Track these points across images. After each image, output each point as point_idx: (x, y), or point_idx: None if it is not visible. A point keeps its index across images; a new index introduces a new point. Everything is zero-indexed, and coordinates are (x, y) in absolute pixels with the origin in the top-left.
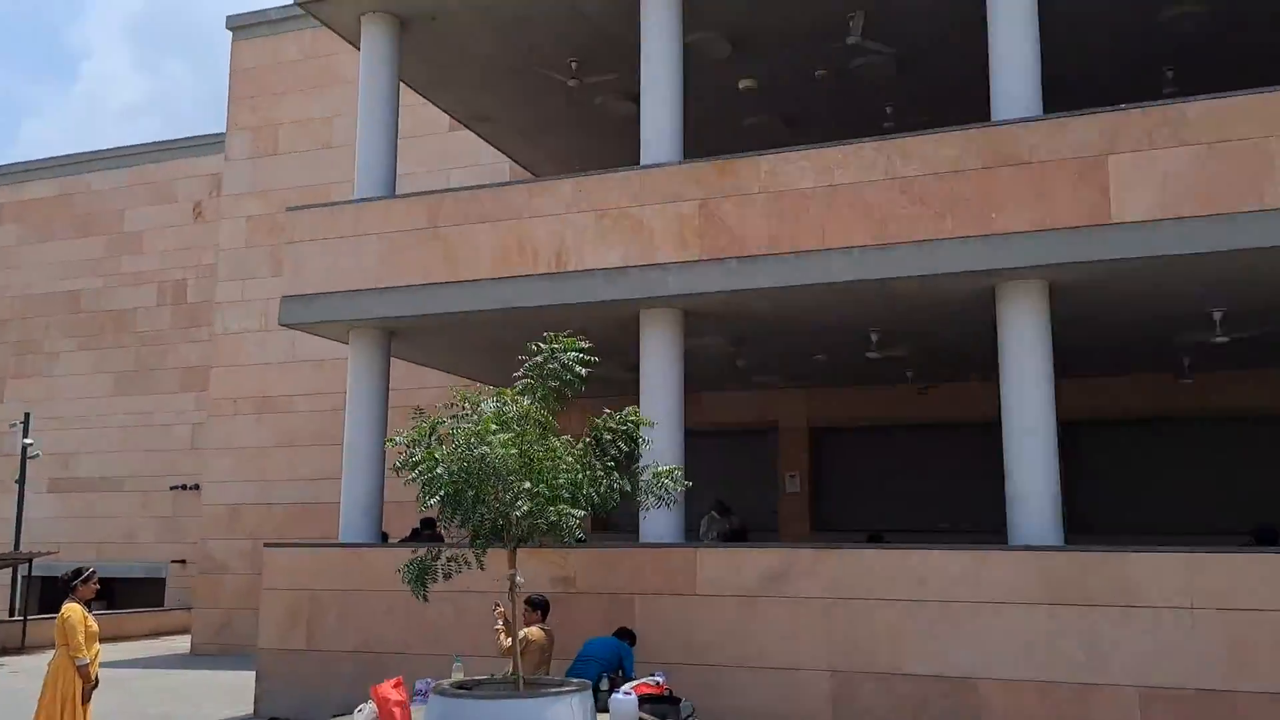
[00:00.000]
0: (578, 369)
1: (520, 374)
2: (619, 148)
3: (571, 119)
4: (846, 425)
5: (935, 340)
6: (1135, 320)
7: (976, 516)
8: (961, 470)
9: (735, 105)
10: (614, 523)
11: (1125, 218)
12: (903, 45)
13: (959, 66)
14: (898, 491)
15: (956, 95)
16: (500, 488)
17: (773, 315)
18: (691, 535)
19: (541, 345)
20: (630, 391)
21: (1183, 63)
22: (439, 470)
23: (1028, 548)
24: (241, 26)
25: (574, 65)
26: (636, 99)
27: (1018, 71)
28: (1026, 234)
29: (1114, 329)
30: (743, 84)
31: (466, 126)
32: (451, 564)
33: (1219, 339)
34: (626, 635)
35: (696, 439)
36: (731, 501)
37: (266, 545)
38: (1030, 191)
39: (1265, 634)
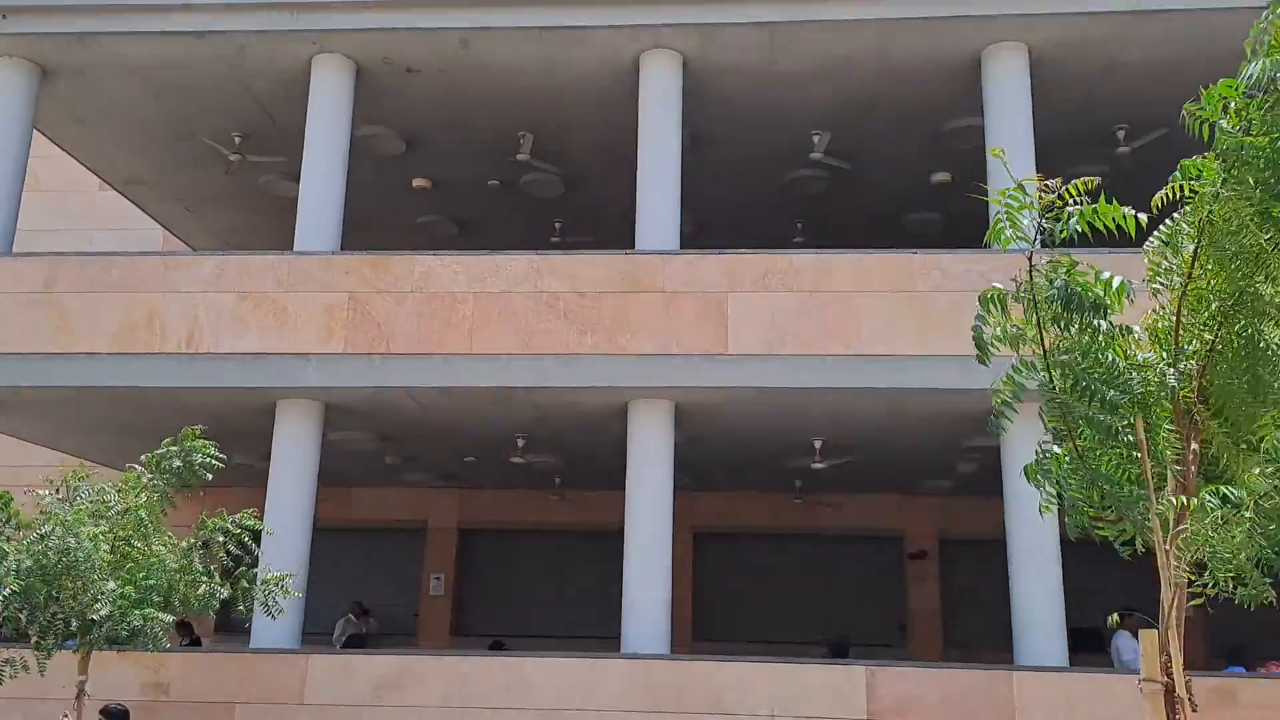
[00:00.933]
0: (203, 472)
1: (136, 465)
2: (281, 229)
3: (233, 194)
4: (495, 528)
5: (577, 448)
6: (753, 442)
7: (612, 623)
8: (601, 576)
9: (409, 202)
10: (238, 624)
11: (739, 350)
12: (568, 168)
13: (618, 192)
14: (541, 597)
15: (616, 216)
16: (79, 586)
17: (420, 414)
18: (320, 640)
19: (173, 437)
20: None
21: (810, 215)
22: (9, 562)
23: (635, 656)
24: None
25: (239, 140)
26: None
27: (660, 210)
28: (656, 357)
29: (736, 449)
30: (416, 182)
31: (115, 189)
32: (7, 667)
33: (818, 465)
34: None
35: (342, 535)
36: (374, 603)
37: None
38: (662, 318)
39: None
